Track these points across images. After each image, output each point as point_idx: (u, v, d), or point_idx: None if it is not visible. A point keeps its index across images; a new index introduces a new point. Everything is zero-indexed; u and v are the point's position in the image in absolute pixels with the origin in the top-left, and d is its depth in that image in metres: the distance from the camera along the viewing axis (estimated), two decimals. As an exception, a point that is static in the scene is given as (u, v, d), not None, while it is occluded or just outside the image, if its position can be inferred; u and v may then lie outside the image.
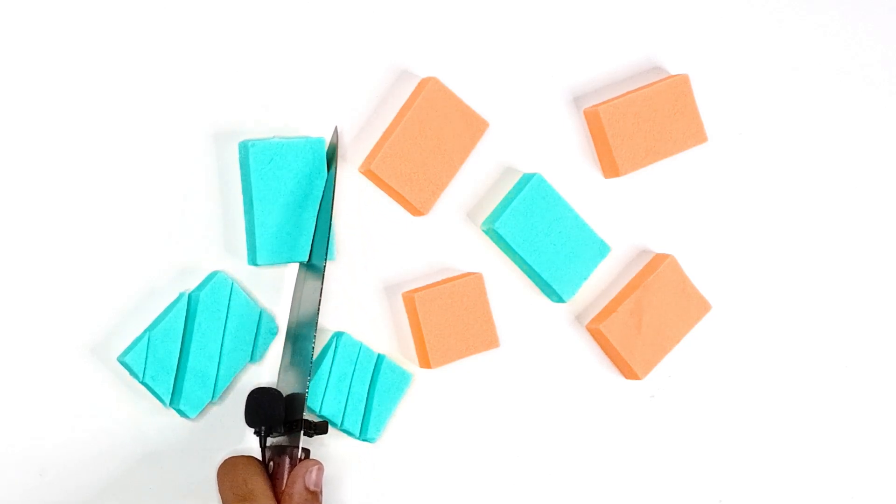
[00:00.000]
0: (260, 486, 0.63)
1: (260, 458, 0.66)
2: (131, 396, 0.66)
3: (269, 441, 0.66)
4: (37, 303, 0.65)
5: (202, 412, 0.67)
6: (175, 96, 0.67)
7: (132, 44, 0.66)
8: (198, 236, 0.67)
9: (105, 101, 0.66)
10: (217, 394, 0.67)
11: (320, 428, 0.66)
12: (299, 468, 0.64)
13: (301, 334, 0.68)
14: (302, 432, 0.65)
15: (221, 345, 0.67)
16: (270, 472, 0.65)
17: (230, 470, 0.64)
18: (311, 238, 0.68)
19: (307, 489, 0.64)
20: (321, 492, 0.65)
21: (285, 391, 0.67)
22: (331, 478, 0.70)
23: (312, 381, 0.68)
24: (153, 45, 0.67)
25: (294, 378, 0.67)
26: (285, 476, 0.65)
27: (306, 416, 0.66)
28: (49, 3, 0.65)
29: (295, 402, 0.66)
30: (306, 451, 0.66)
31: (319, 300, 0.67)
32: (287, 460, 0.65)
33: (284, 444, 0.66)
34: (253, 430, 0.66)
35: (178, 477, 0.68)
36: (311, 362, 0.66)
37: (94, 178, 0.66)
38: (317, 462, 0.65)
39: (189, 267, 0.67)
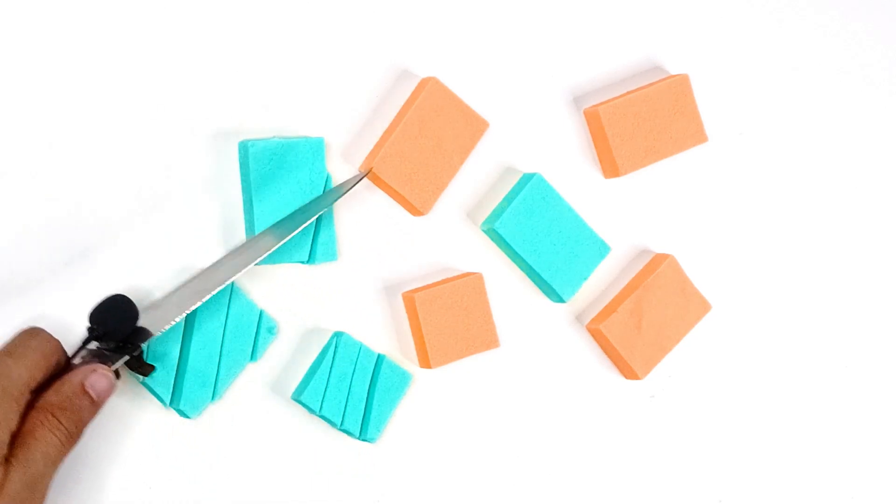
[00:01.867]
0: (31, 352, 0.58)
1: (71, 352, 0.61)
2: (131, 396, 0.66)
3: (94, 345, 0.62)
4: (37, 303, 0.65)
5: (202, 412, 0.67)
6: (175, 96, 0.67)
7: (132, 44, 0.66)
8: (198, 236, 0.67)
9: (106, 102, 0.66)
10: (217, 394, 0.67)
11: (144, 368, 0.62)
12: (91, 366, 0.59)
13: (208, 285, 0.64)
14: (124, 359, 0.61)
15: (221, 345, 0.67)
16: (70, 364, 0.61)
17: (26, 333, 0.60)
18: (311, 238, 0.68)
19: (83, 388, 0.58)
20: (100, 404, 0.59)
21: (144, 320, 0.63)
22: (331, 478, 0.70)
23: (313, 381, 0.68)
24: (153, 45, 0.67)
25: (162, 317, 0.63)
26: None
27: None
28: (50, 3, 0.65)
29: (142, 334, 0.62)
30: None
31: (241, 269, 0.64)
32: (89, 360, 0.61)
33: (105, 354, 0.62)
34: (88, 325, 0.61)
35: (178, 477, 0.68)
36: (188, 313, 0.63)
37: (94, 177, 0.66)
38: (111, 373, 0.60)
39: (189, 267, 0.67)
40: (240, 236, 0.68)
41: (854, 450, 0.81)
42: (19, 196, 0.65)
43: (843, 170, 0.81)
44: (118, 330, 0.62)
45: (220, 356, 0.67)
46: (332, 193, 0.68)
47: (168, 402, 0.66)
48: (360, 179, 0.69)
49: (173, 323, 0.63)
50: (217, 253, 0.68)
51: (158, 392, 0.65)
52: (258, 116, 0.68)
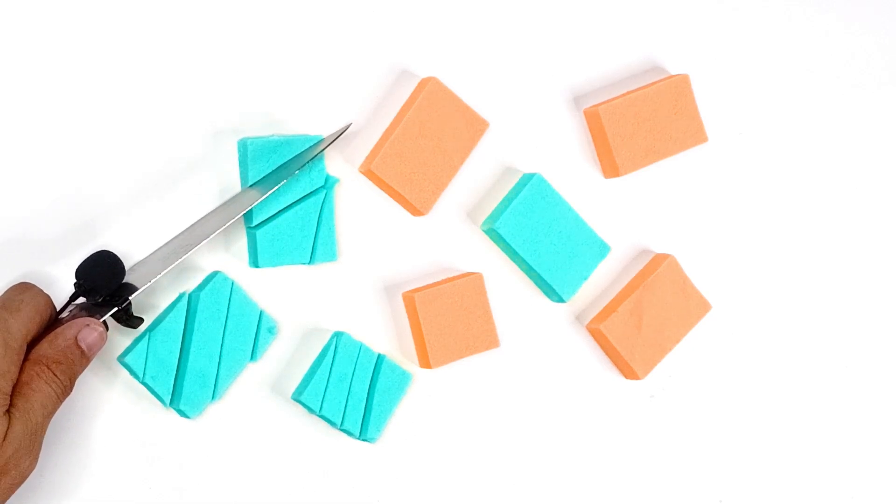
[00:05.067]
0: (25, 306, 0.60)
1: (58, 306, 0.63)
2: (131, 396, 0.66)
3: (81, 300, 0.63)
4: (37, 303, 0.65)
5: (202, 412, 0.67)
6: (175, 93, 0.67)
7: (132, 42, 0.66)
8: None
9: (105, 100, 0.66)
10: (217, 394, 0.67)
11: (133, 321, 0.63)
12: (83, 320, 0.61)
13: (193, 240, 0.65)
14: (112, 312, 0.62)
15: (221, 345, 0.67)
16: (59, 318, 0.62)
17: (18, 287, 0.62)
18: (312, 238, 0.68)
19: (76, 342, 0.60)
20: (90, 357, 0.61)
21: (131, 276, 0.64)
22: (331, 478, 0.70)
23: (313, 381, 0.68)
24: (153, 42, 0.67)
25: (147, 272, 0.64)
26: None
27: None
28: (51, 2, 0.65)
29: (128, 288, 0.63)
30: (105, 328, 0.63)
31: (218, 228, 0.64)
32: (79, 315, 0.62)
33: (93, 309, 0.63)
34: (75, 280, 0.63)
35: (178, 477, 0.68)
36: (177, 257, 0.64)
37: (93, 175, 0.66)
38: (103, 327, 0.61)
39: (189, 267, 0.67)
40: (240, 236, 0.68)
41: (854, 450, 0.81)
42: (18, 194, 0.65)
43: (843, 170, 0.81)
44: (104, 285, 0.63)
45: (220, 356, 0.67)
46: (317, 146, 0.67)
47: (168, 402, 0.66)
48: (345, 130, 0.68)
49: (159, 276, 0.63)
50: (216, 249, 0.68)
51: (158, 392, 0.65)
52: (258, 118, 0.68)
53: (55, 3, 0.65)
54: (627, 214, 0.76)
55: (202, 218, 0.66)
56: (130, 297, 0.63)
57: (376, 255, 0.71)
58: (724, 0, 0.78)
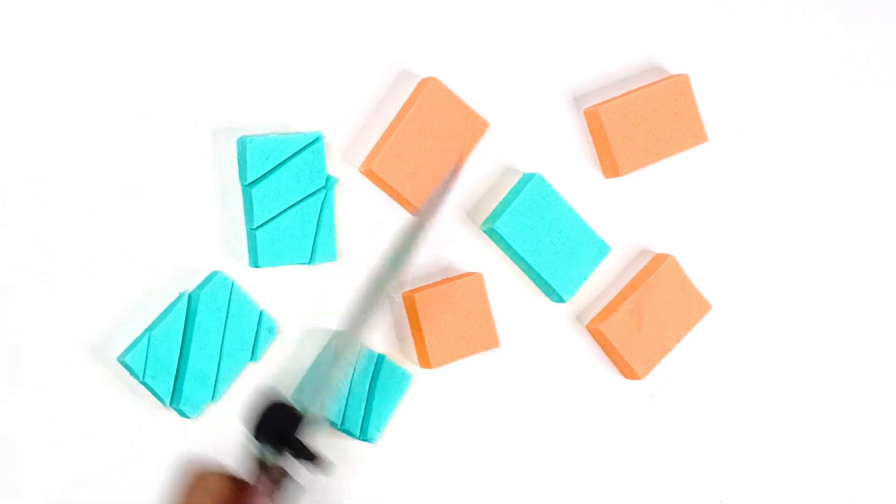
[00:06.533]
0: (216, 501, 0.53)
1: (245, 471, 0.56)
2: (131, 396, 0.66)
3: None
4: (37, 302, 0.65)
5: (202, 412, 0.67)
6: (176, 93, 0.67)
7: (131, 41, 0.66)
8: (197, 232, 0.67)
9: (104, 99, 0.66)
10: (217, 394, 0.67)
11: (324, 465, 0.56)
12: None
13: (349, 347, 0.60)
14: (302, 461, 0.56)
15: (221, 345, 0.67)
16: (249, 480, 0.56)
17: (200, 478, 0.54)
18: (312, 238, 0.68)
19: None
20: None
21: (301, 405, 0.57)
22: (331, 478, 0.70)
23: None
24: (152, 41, 0.67)
25: (314, 395, 0.59)
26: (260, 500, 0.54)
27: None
28: (50, 1, 0.65)
29: (309, 427, 0.56)
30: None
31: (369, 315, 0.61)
32: (268, 481, 0.55)
33: (274, 460, 0.56)
34: (252, 437, 0.56)
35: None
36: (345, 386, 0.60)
37: (92, 176, 0.66)
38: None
39: (189, 267, 0.67)
40: (240, 235, 0.68)
41: (854, 450, 0.81)
42: (18, 195, 0.65)
43: (843, 170, 0.80)
44: (288, 436, 0.56)
45: (220, 356, 0.67)
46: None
47: (168, 402, 0.66)
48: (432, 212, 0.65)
49: (322, 410, 0.58)
50: (216, 249, 0.68)
51: (158, 392, 0.65)
52: (258, 117, 0.68)
53: (55, 1, 0.65)
54: (627, 214, 0.76)
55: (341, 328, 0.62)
56: (310, 445, 0.56)
57: (376, 255, 0.71)
58: (724, 0, 0.78)
